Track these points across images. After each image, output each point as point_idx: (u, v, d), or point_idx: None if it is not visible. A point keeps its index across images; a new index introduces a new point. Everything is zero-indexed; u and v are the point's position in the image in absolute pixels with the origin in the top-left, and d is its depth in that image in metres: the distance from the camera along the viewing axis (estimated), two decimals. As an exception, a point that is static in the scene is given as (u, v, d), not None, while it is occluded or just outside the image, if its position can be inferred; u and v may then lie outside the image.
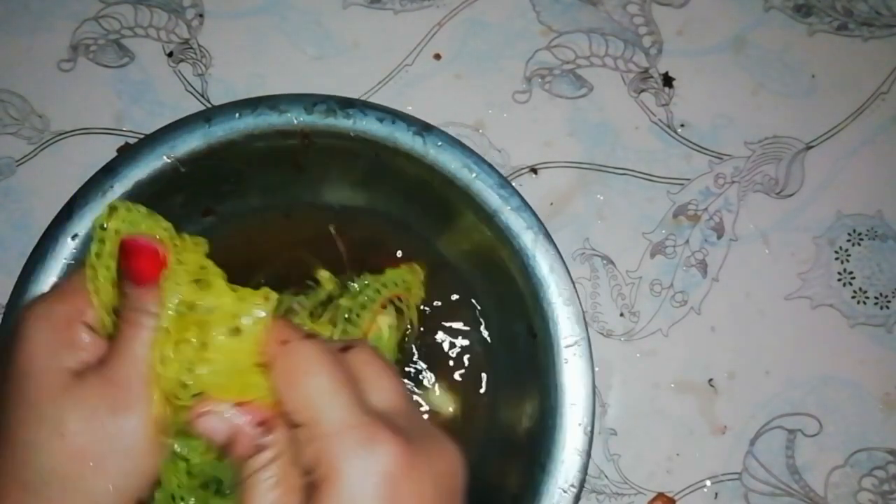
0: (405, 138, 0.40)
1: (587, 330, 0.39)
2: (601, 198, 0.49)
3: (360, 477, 0.23)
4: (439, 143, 0.40)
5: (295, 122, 0.40)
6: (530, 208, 0.40)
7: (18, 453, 0.26)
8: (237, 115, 0.40)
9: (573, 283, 0.39)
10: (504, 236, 0.40)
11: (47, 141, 0.49)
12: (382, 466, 0.23)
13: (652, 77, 0.50)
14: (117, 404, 0.25)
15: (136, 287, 0.26)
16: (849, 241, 0.49)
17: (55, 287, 0.38)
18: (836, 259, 0.49)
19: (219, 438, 0.26)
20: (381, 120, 0.40)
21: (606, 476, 0.46)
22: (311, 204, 0.45)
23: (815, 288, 0.48)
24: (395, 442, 0.24)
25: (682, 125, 0.50)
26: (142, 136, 0.48)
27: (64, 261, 0.39)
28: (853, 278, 0.48)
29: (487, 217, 0.40)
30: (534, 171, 0.49)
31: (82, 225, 0.39)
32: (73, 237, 0.39)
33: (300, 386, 0.25)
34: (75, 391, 0.26)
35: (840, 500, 0.46)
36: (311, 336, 0.26)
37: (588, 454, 0.38)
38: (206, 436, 0.26)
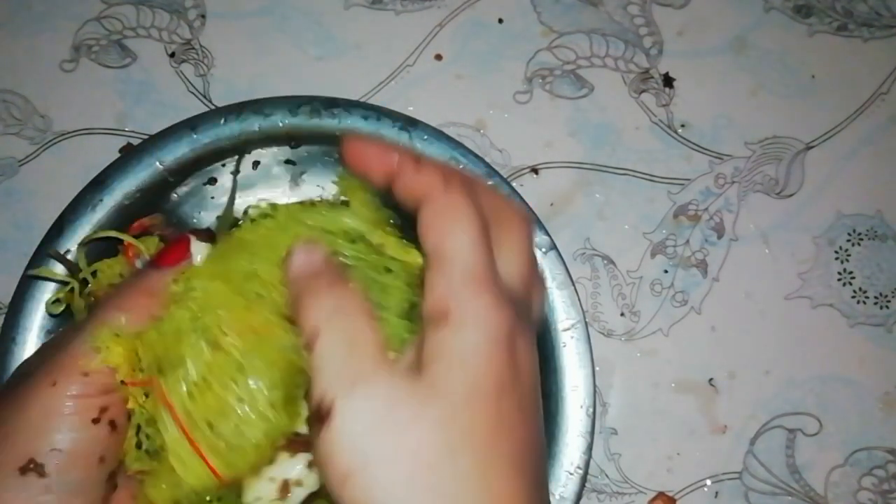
0: (391, 134, 0.40)
1: (583, 312, 0.39)
2: (602, 198, 0.49)
3: (478, 328, 0.26)
4: (425, 137, 0.40)
5: (280, 124, 0.40)
6: (519, 196, 0.40)
7: None
8: (222, 120, 0.40)
9: (566, 266, 0.40)
10: None
11: (49, 141, 0.49)
12: (494, 331, 0.26)
13: (652, 77, 0.50)
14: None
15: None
16: (849, 241, 0.49)
17: None
18: (836, 259, 0.49)
19: None
20: (365, 118, 0.40)
21: (607, 475, 0.46)
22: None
23: (815, 288, 0.48)
24: (509, 317, 0.26)
25: (683, 125, 0.50)
26: (143, 137, 0.48)
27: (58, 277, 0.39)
28: (853, 278, 0.49)
29: None
30: (535, 171, 0.49)
31: (73, 240, 0.39)
32: (65, 253, 0.39)
33: (448, 232, 0.27)
34: None
35: (840, 499, 0.46)
36: (472, 193, 0.28)
37: (592, 435, 0.38)
38: None
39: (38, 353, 0.34)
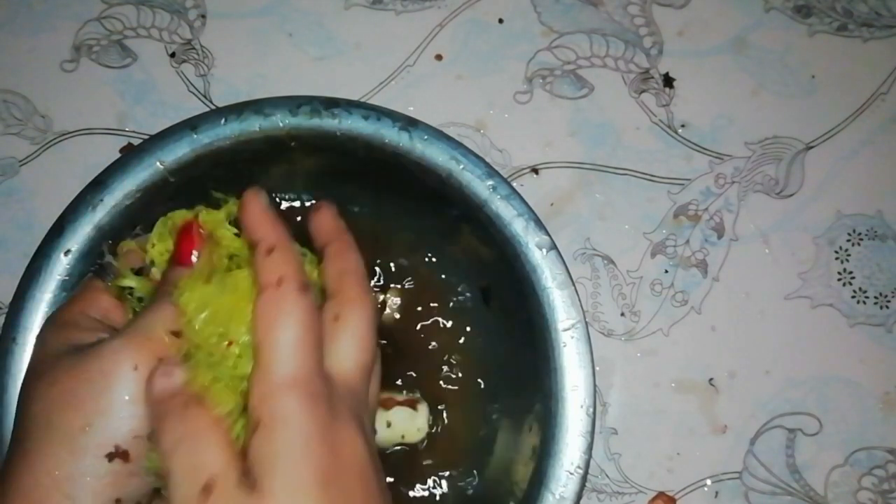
0: (391, 134, 0.40)
1: (583, 312, 0.39)
2: (602, 198, 0.49)
3: (286, 429, 0.26)
4: (425, 137, 0.40)
5: (281, 125, 0.40)
6: (519, 196, 0.40)
7: (20, 412, 0.30)
8: (223, 121, 0.40)
9: (566, 266, 0.40)
10: (495, 225, 0.40)
11: (50, 141, 0.49)
12: (305, 429, 0.27)
13: (652, 77, 0.50)
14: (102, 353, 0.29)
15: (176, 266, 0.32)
16: (849, 241, 0.49)
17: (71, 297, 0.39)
18: (836, 259, 0.49)
19: None
20: (366, 118, 0.40)
21: (607, 475, 0.46)
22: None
23: (815, 288, 0.48)
24: (319, 415, 0.27)
25: (683, 125, 0.50)
26: (144, 137, 0.48)
27: (58, 277, 0.39)
28: (853, 278, 0.49)
29: (477, 207, 0.40)
30: (535, 171, 0.49)
31: (74, 240, 0.39)
32: (66, 253, 0.39)
33: (271, 329, 0.28)
34: (69, 354, 0.30)
35: (840, 498, 0.46)
36: (305, 288, 0.29)
37: (592, 435, 0.38)
38: None
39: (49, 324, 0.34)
